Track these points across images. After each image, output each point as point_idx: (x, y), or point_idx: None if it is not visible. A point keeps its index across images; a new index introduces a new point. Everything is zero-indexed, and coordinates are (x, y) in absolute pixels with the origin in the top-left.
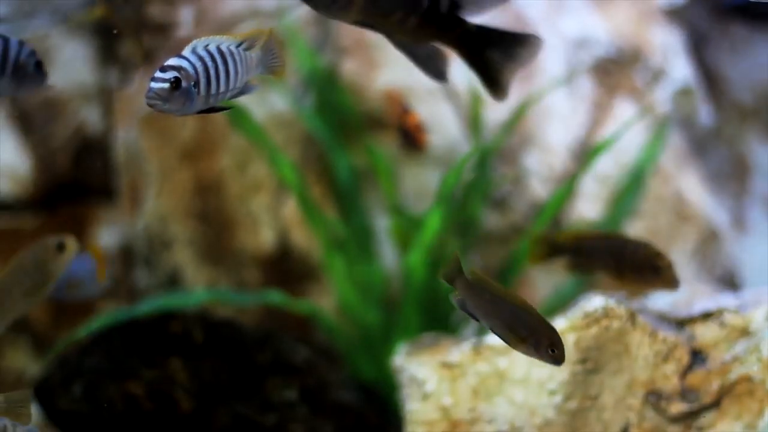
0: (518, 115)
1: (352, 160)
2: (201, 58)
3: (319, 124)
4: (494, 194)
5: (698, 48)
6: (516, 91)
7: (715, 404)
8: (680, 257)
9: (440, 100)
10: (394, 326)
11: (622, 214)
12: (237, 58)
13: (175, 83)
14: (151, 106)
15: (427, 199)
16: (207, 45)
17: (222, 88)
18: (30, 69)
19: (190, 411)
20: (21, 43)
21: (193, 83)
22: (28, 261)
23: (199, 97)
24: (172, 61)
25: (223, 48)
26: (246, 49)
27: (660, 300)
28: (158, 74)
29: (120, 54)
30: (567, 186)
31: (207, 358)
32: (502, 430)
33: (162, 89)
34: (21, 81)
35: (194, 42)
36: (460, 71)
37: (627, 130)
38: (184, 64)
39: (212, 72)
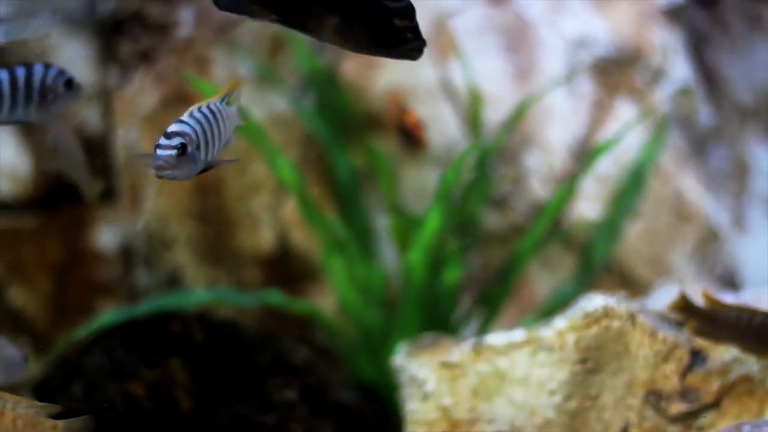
0: (518, 115)
1: (352, 160)
2: (198, 121)
3: (319, 124)
4: (494, 194)
5: (698, 48)
6: (516, 91)
7: (715, 404)
8: (680, 257)
9: (440, 100)
10: (394, 326)
11: (622, 214)
12: (224, 114)
13: (182, 149)
14: (160, 175)
15: (426, 199)
16: (200, 108)
17: (216, 147)
18: (60, 90)
19: (190, 411)
20: (46, 66)
21: (196, 146)
22: None
23: (200, 159)
24: (174, 127)
25: (212, 107)
26: (227, 104)
27: (660, 300)
28: (163, 141)
29: (120, 54)
30: (568, 187)
31: (207, 358)
32: (502, 430)
33: (170, 156)
34: (51, 103)
35: (191, 108)
36: (459, 72)
37: (628, 131)
38: (186, 129)
39: (208, 133)
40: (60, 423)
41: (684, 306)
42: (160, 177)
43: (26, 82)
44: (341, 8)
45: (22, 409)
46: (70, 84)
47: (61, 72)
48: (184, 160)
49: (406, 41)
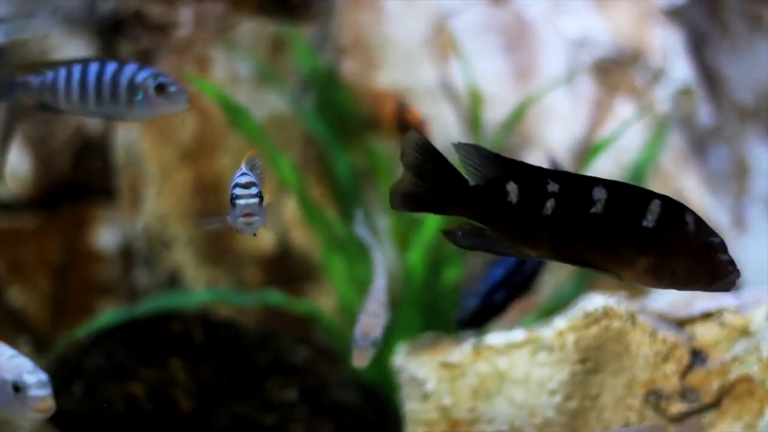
0: (518, 115)
1: (352, 160)
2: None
3: (319, 124)
4: None
5: (698, 48)
6: (516, 91)
7: (715, 404)
8: None
9: (440, 100)
10: (394, 326)
11: None
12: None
13: (260, 196)
14: (249, 223)
15: None
16: (245, 166)
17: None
18: (150, 92)
19: (190, 411)
20: (141, 66)
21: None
22: None
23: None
24: (244, 179)
25: (249, 171)
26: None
27: (660, 300)
28: (241, 191)
29: (120, 54)
30: None
31: (207, 358)
32: (502, 430)
33: (254, 204)
34: (141, 104)
35: (241, 165)
36: (459, 72)
37: (626, 128)
38: (253, 179)
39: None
40: None
41: None
42: (248, 225)
43: (113, 79)
44: (659, 247)
45: None
46: (162, 88)
47: (155, 75)
48: (262, 208)
49: (728, 274)
